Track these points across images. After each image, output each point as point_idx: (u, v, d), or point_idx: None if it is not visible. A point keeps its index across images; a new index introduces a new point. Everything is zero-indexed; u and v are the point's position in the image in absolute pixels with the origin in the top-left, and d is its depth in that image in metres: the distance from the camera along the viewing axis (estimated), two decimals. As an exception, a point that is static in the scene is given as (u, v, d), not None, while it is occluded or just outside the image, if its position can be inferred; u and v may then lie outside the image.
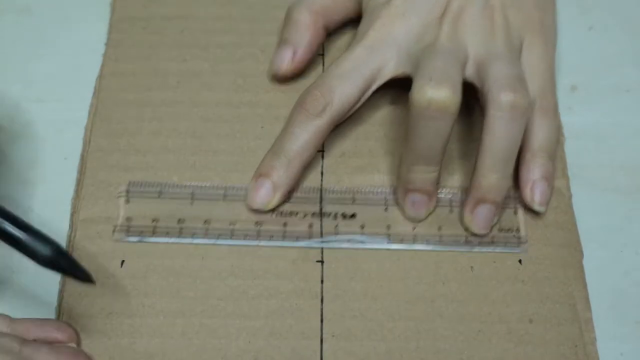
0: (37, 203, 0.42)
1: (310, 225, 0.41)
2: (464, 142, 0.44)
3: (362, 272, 0.40)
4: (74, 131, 0.44)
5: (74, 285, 0.39)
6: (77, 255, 0.40)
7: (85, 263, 0.37)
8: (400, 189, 0.41)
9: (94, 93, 0.45)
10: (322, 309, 0.39)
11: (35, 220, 0.41)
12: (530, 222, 0.42)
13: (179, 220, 0.41)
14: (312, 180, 0.43)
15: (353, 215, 0.42)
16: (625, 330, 0.40)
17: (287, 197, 0.42)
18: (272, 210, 0.42)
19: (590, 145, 0.45)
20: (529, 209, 0.41)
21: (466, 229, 0.41)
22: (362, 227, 0.41)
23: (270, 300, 0.39)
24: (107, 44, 0.47)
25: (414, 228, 0.41)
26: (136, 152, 0.44)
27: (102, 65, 0.46)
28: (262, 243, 0.41)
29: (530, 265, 0.41)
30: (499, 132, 0.39)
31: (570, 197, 0.43)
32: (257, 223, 0.41)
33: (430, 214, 0.42)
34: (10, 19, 0.49)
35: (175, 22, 0.48)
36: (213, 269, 0.40)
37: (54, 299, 0.40)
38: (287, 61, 0.44)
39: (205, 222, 0.41)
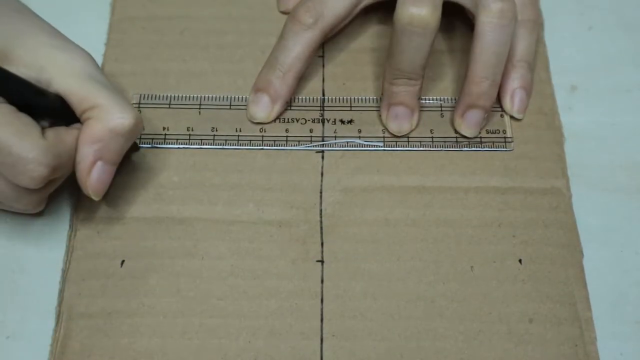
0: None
1: (311, 130, 0.44)
2: (454, 53, 0.47)
3: (362, 272, 0.40)
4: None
5: (74, 285, 0.40)
6: (77, 255, 0.40)
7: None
8: (384, 103, 0.44)
9: None
10: (322, 309, 0.39)
11: (35, 220, 0.42)
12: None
13: (188, 128, 0.44)
14: (313, 88, 0.45)
15: (351, 121, 0.44)
16: (625, 330, 0.40)
17: (287, 106, 0.44)
18: (276, 119, 0.44)
19: (590, 145, 0.45)
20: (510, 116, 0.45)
21: (456, 132, 0.44)
22: (360, 131, 0.44)
23: (270, 300, 0.39)
24: (107, 44, 0.47)
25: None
26: None
27: (102, 65, 0.46)
28: (266, 148, 0.43)
29: (530, 265, 0.41)
30: (489, 37, 0.41)
31: (570, 197, 0.43)
32: (261, 129, 0.44)
33: (413, 130, 0.44)
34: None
35: (175, 22, 0.48)
36: (213, 268, 0.40)
37: (54, 299, 0.40)
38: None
39: (213, 129, 0.44)
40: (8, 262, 0.41)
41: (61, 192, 0.42)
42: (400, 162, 0.43)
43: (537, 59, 0.46)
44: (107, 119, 0.37)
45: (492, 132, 0.44)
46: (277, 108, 0.44)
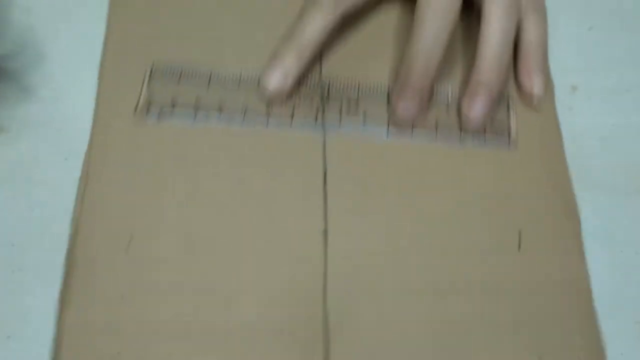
0: (38, 203, 0.42)
1: (316, 117, 0.44)
2: (461, 45, 0.46)
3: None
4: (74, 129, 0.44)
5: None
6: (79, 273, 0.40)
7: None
8: (396, 91, 0.43)
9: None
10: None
11: (36, 220, 0.42)
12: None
13: (196, 101, 0.44)
14: (319, 74, 0.45)
15: (357, 107, 0.44)
16: (625, 330, 0.40)
17: (299, 83, 0.44)
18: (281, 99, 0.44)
19: (591, 145, 0.45)
20: (525, 103, 0.45)
21: (462, 121, 0.44)
22: (365, 116, 0.44)
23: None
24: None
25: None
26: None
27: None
28: (271, 128, 0.43)
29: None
30: (496, 23, 0.42)
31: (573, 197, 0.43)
32: (267, 109, 0.44)
33: (417, 123, 0.44)
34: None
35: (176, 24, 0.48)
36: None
37: (54, 299, 0.40)
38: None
39: (219, 108, 0.44)
40: (8, 262, 0.41)
41: (61, 192, 0.42)
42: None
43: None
44: None
45: (497, 131, 0.44)
46: (290, 82, 0.44)
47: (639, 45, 0.48)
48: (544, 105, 0.45)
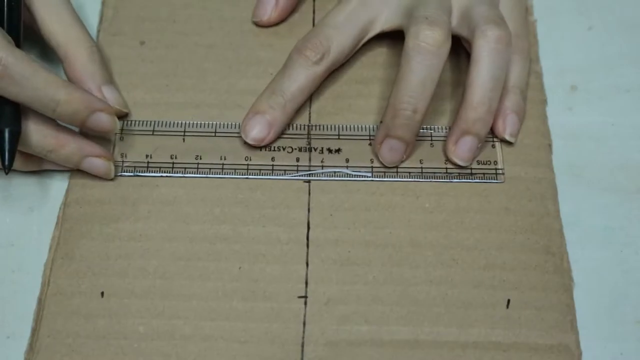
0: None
1: (298, 160, 0.43)
2: (445, 85, 0.46)
3: None
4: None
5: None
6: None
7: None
8: (381, 132, 0.43)
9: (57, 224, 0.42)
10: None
11: (36, 220, 0.42)
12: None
13: (172, 156, 0.43)
14: (300, 118, 0.45)
15: (338, 150, 0.44)
16: (625, 330, 0.40)
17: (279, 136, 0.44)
18: (261, 146, 0.43)
19: (590, 145, 0.45)
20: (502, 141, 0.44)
21: (447, 161, 0.43)
22: (347, 160, 0.43)
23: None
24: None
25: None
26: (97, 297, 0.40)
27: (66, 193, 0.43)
28: (252, 177, 0.43)
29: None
30: (486, 61, 0.41)
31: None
32: (246, 158, 0.43)
33: (402, 162, 0.43)
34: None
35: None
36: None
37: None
38: (270, 10, 0.47)
39: (197, 157, 0.43)
40: (8, 262, 0.41)
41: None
42: (391, 310, 0.39)
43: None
44: None
45: (484, 163, 0.43)
46: (272, 134, 0.43)
47: (639, 45, 0.48)
48: (534, 137, 0.45)
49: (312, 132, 0.44)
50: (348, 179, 0.43)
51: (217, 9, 0.47)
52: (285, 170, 0.43)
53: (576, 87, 0.47)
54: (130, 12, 0.48)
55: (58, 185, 0.42)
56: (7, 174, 0.39)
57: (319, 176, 0.43)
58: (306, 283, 0.40)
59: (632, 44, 0.48)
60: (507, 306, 0.39)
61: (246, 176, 0.43)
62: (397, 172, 0.43)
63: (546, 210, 0.42)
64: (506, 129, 0.44)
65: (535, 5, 0.49)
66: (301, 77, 0.43)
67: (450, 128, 0.43)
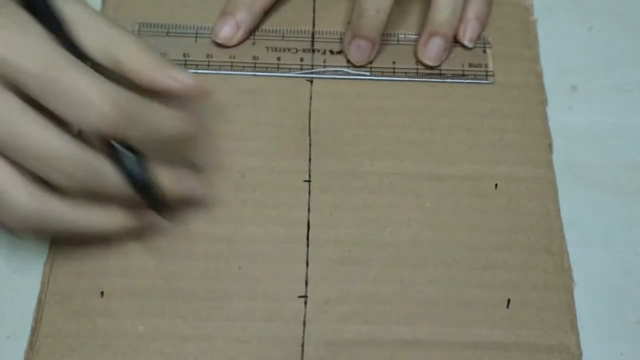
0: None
1: (302, 60, 0.46)
2: None
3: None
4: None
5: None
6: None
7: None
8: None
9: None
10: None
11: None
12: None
13: (184, 55, 0.46)
14: (305, 23, 0.48)
15: (340, 52, 0.46)
16: (625, 330, 0.40)
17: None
18: (267, 47, 0.46)
19: (590, 145, 0.45)
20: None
21: (418, 62, 0.46)
22: (348, 61, 0.46)
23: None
24: None
25: (394, 62, 0.46)
26: None
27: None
28: (259, 74, 0.45)
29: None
30: None
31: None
32: (254, 57, 0.46)
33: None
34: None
35: None
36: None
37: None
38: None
39: (208, 55, 0.46)
40: (8, 262, 0.41)
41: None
42: (391, 310, 0.39)
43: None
44: None
45: (475, 66, 0.46)
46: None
47: (639, 45, 0.48)
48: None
49: (316, 36, 0.47)
50: (348, 77, 0.46)
51: (218, 9, 0.47)
52: (289, 68, 0.46)
53: (576, 87, 0.47)
54: (131, 12, 0.48)
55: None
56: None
57: (321, 74, 0.46)
58: (306, 283, 0.40)
59: (632, 44, 0.48)
60: (507, 306, 0.39)
61: (254, 73, 0.45)
62: (394, 72, 0.46)
63: (546, 210, 0.42)
64: (466, 35, 0.47)
65: (535, 5, 0.49)
66: None
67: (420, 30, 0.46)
